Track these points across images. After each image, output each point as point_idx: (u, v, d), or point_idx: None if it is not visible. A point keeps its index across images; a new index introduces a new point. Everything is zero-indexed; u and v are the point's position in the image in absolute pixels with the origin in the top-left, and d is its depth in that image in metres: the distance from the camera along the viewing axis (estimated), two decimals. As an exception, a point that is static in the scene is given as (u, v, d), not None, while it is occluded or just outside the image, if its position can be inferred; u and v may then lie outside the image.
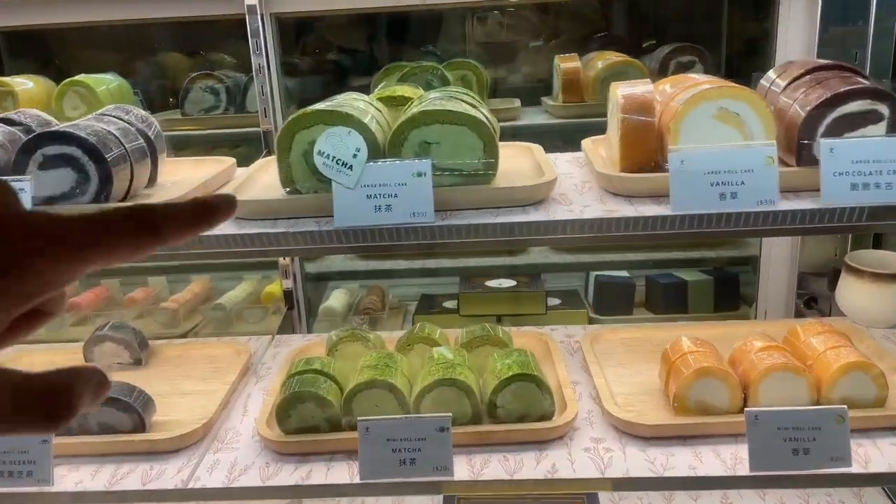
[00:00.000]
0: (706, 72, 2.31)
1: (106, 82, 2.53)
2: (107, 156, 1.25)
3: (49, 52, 2.86)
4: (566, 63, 2.36)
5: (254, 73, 1.86)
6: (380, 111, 1.33)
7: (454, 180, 1.24)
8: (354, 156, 1.18)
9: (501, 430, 1.32)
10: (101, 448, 1.35)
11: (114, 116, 1.40)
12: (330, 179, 1.19)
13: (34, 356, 1.76)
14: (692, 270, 2.79)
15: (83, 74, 2.51)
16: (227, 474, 1.30)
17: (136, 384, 1.44)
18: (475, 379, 1.36)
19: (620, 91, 1.30)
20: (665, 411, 1.37)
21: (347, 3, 1.88)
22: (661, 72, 2.27)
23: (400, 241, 1.19)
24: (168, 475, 1.31)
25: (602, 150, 1.46)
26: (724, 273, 2.74)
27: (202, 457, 1.36)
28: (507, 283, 2.75)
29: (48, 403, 0.38)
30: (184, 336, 2.63)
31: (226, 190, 1.31)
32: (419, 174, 1.19)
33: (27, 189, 1.20)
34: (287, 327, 2.09)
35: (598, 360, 1.56)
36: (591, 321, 2.64)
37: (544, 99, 2.46)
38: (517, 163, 1.42)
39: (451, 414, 1.25)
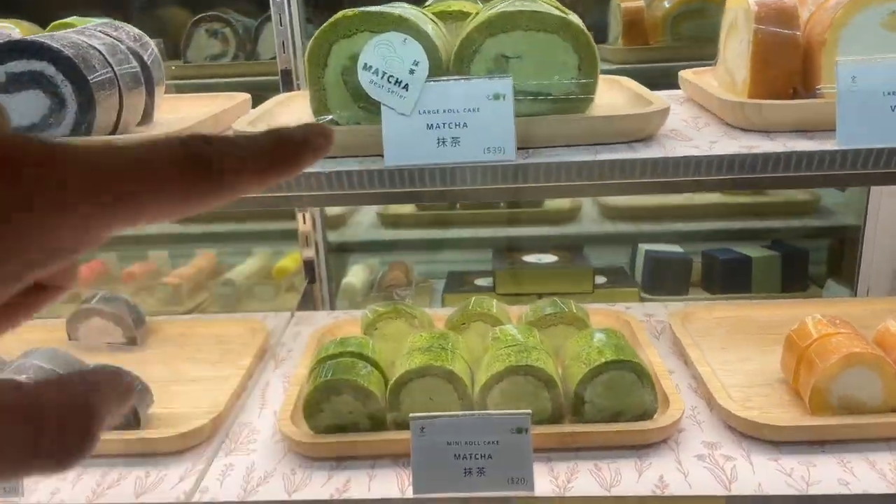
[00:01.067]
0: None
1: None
2: (89, 76, 0.96)
3: None
4: (627, 3, 2.05)
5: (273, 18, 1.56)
6: (434, 23, 1.03)
7: (540, 107, 0.95)
8: (412, 71, 0.89)
9: (593, 432, 1.03)
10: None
11: (99, 31, 1.11)
12: (378, 104, 0.90)
13: (5, 336, 1.48)
14: (754, 245, 2.49)
15: (74, 17, 2.23)
16: (243, 484, 1.02)
17: (130, 368, 1.16)
18: (554, 366, 1.08)
19: (751, -4, 1.00)
20: (794, 409, 1.09)
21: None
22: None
23: (469, 184, 0.90)
24: (168, 483, 1.03)
25: (711, 81, 1.17)
26: (792, 249, 2.44)
27: (211, 461, 1.08)
28: (548, 258, 2.46)
29: (56, 435, 0.25)
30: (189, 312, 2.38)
31: (240, 122, 1.02)
32: (497, 96, 0.89)
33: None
34: (308, 304, 1.81)
35: (695, 342, 1.28)
36: (642, 301, 2.36)
37: (602, 46, 2.16)
38: (608, 97, 1.12)
39: (530, 411, 0.97)
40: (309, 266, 1.75)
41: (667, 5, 1.96)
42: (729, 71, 1.09)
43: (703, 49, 1.96)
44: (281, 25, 1.57)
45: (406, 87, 0.89)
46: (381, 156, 0.92)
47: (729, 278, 2.38)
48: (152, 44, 1.19)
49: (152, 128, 1.14)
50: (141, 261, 2.54)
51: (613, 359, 1.04)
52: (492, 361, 1.06)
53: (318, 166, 0.92)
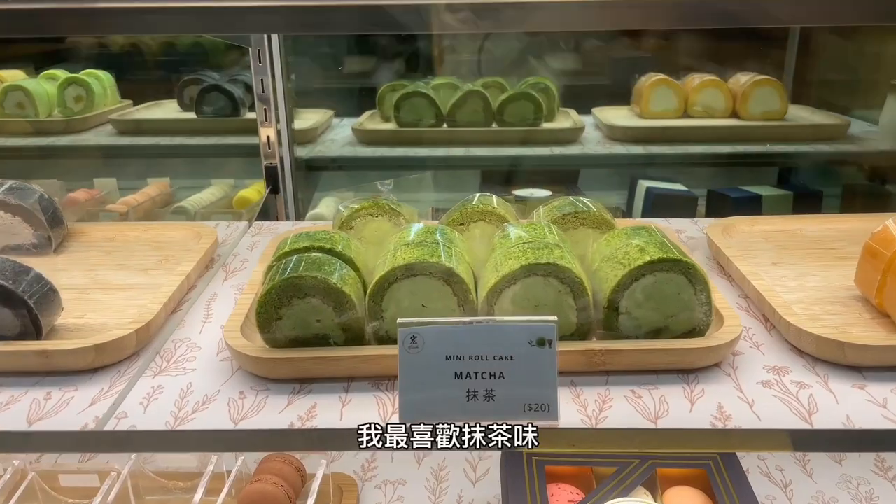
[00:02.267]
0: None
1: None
2: None
3: None
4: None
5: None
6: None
7: None
8: None
9: (631, 349, 0.80)
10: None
11: None
12: None
13: None
14: (764, 185, 2.29)
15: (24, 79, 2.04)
16: (174, 410, 0.78)
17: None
18: (580, 267, 0.84)
19: None
20: (879, 327, 0.87)
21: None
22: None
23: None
24: (74, 407, 0.78)
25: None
26: (805, 188, 2.24)
27: (134, 383, 0.83)
28: (540, 192, 2.23)
29: None
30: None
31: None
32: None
33: None
34: (267, 215, 1.55)
35: (743, 255, 1.05)
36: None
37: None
38: None
39: (555, 318, 0.73)
40: (271, 173, 1.49)
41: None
42: None
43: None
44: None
45: None
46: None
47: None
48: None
49: None
50: (85, 187, 2.26)
51: (661, 257, 0.80)
52: (502, 260, 0.82)
53: None
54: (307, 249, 0.87)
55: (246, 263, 1.14)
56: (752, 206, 2.19)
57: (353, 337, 0.83)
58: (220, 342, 0.90)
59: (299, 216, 1.63)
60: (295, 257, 0.83)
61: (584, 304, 0.81)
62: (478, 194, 1.02)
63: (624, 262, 0.81)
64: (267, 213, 1.54)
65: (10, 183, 1.12)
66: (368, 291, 0.81)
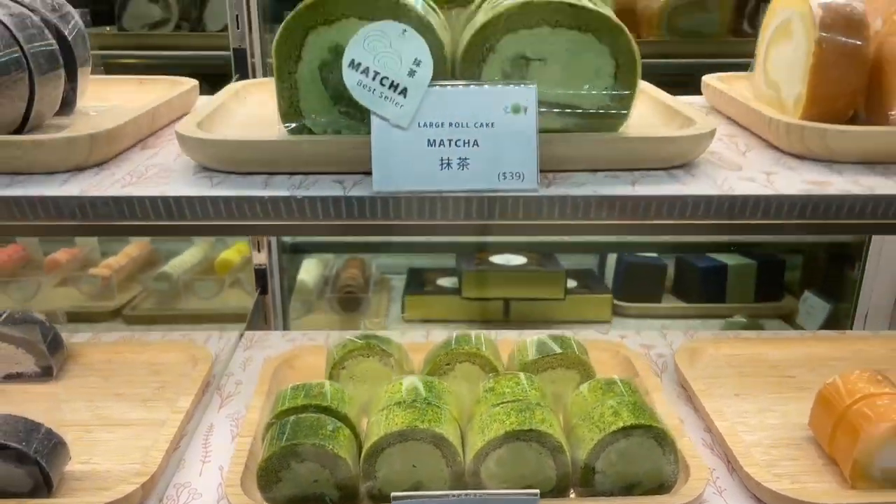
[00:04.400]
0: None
1: None
2: (-17, 55, 0.74)
3: None
4: (619, -10, 1.88)
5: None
6: (436, 13, 0.84)
7: (565, 122, 0.77)
8: (412, 72, 0.70)
9: (607, 510, 0.87)
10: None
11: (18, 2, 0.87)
12: (366, 110, 0.70)
13: None
14: (731, 253, 2.39)
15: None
16: (180, 570, 0.83)
17: (43, 408, 0.95)
18: (559, 426, 0.91)
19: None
20: (830, 477, 0.95)
21: None
22: (738, 6, 1.82)
23: (475, 217, 0.72)
24: (84, 568, 0.83)
25: (741, 90, 1.01)
26: (769, 257, 2.34)
27: (140, 537, 0.88)
28: (517, 259, 2.31)
29: None
30: (118, 312, 2.13)
31: (186, 123, 0.80)
32: (516, 109, 0.71)
33: None
34: (257, 316, 1.60)
35: (707, 387, 1.13)
36: (615, 309, 2.23)
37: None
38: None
39: (538, 492, 0.80)
40: (261, 276, 1.54)
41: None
42: (772, 83, 0.93)
43: (702, 46, 1.83)
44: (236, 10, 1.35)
45: (404, 92, 0.70)
46: (366, 173, 0.73)
47: (704, 285, 2.28)
48: (75, 14, 0.96)
49: (76, 119, 0.92)
50: (67, 247, 2.27)
51: (633, 423, 0.87)
52: (488, 422, 0.88)
53: (285, 187, 0.72)
54: (304, 408, 0.92)
55: (240, 386, 1.20)
56: (718, 275, 2.29)
57: (348, 495, 0.89)
58: (221, 489, 0.95)
59: (286, 309, 1.68)
60: (292, 419, 0.89)
61: (563, 464, 0.88)
62: (458, 335, 1.09)
63: (599, 426, 0.89)
64: (256, 306, 1.59)
65: (7, 312, 1.17)
66: (363, 454, 0.88)
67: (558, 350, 1.05)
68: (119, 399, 1.12)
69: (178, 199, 0.71)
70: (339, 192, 0.72)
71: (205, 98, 1.08)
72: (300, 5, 0.73)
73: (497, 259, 2.29)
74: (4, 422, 0.89)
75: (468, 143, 0.71)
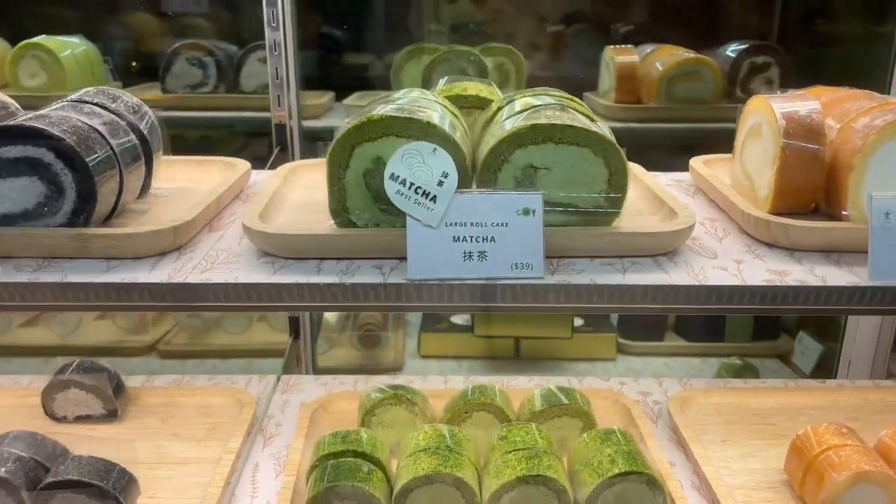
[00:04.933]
0: (783, 76, 2.03)
1: (70, 46, 2.13)
2: (91, 164, 0.90)
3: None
4: (621, 56, 2.04)
5: (268, 50, 1.50)
6: (456, 117, 1.00)
7: (566, 218, 0.92)
8: (440, 183, 0.86)
9: (604, 546, 1.01)
10: (65, 550, 1.01)
11: (96, 104, 1.04)
12: (399, 212, 0.86)
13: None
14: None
15: (43, 36, 2.12)
16: None
17: (113, 449, 1.10)
18: (564, 471, 1.05)
19: (777, 107, 0.99)
20: (800, 518, 1.09)
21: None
22: (731, 74, 1.98)
23: (492, 301, 0.87)
24: (156, 591, 0.98)
25: (722, 176, 1.16)
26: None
27: (202, 564, 1.02)
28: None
29: None
30: (153, 346, 2.29)
31: (250, 216, 0.96)
32: (526, 211, 0.86)
33: (-25, 205, 0.85)
34: (291, 357, 1.75)
35: (696, 434, 1.27)
36: (619, 347, 2.37)
37: (589, 95, 2.14)
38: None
39: (545, 529, 0.94)
40: (293, 321, 1.70)
41: (659, 67, 1.96)
42: (746, 173, 1.08)
43: (697, 112, 1.98)
44: (277, 79, 1.52)
45: (434, 199, 0.86)
46: (400, 258, 0.89)
47: (704, 326, 2.41)
48: (149, 111, 1.13)
49: (151, 203, 1.08)
50: None
51: (626, 470, 1.01)
52: (502, 468, 1.03)
53: (335, 273, 0.88)
54: (343, 453, 1.07)
55: (280, 427, 1.34)
56: (717, 316, 2.41)
57: (381, 528, 1.03)
58: (269, 523, 1.10)
59: (315, 351, 1.82)
60: (332, 462, 1.04)
61: (567, 503, 1.03)
62: (474, 387, 1.24)
63: (598, 471, 1.03)
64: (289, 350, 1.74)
65: (77, 361, 1.33)
66: (395, 494, 1.02)
67: (565, 401, 1.20)
68: (176, 439, 1.27)
69: (247, 286, 0.86)
70: (379, 279, 0.87)
71: (257, 174, 1.24)
72: (350, 125, 0.89)
73: None
74: (88, 462, 1.05)
75: (486, 239, 0.86)
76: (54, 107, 1.01)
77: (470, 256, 0.86)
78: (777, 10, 2.38)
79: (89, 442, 1.17)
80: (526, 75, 2.13)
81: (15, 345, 2.30)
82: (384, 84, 2.26)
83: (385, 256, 0.91)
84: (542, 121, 0.89)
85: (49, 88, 2.14)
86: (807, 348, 2.31)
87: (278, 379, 1.52)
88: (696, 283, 0.86)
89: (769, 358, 2.35)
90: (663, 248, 0.93)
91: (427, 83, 2.01)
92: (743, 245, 0.98)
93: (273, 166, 1.30)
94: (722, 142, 1.99)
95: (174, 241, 0.93)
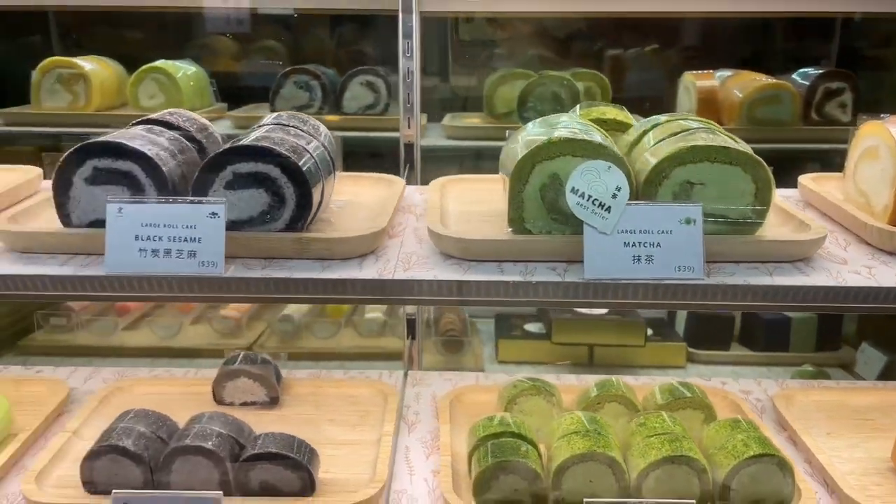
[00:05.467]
0: (856, 101, 2.15)
1: (183, 69, 2.32)
2: (308, 176, 1.06)
3: (108, 34, 2.63)
4: (702, 81, 2.18)
5: (401, 77, 1.67)
6: (607, 138, 1.14)
7: (717, 227, 1.06)
8: (614, 195, 1.00)
9: (742, 519, 1.14)
10: (266, 513, 1.16)
11: (297, 127, 1.20)
12: (568, 216, 1.01)
13: (149, 386, 1.56)
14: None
15: (162, 61, 2.31)
16: (418, 553, 1.11)
17: (280, 429, 1.24)
18: (701, 455, 1.18)
19: (894, 131, 1.13)
20: (913, 500, 1.20)
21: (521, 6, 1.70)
22: (807, 98, 2.10)
23: (660, 298, 1.01)
24: (346, 550, 1.12)
25: (832, 192, 1.29)
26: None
27: (382, 529, 1.17)
28: (600, 309, 2.58)
29: None
30: (249, 349, 2.45)
31: (434, 224, 1.11)
32: (688, 220, 1.00)
33: (220, 213, 1.01)
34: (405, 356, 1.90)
35: (804, 427, 1.39)
36: (688, 356, 2.48)
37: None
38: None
39: (693, 501, 1.07)
40: (411, 323, 1.85)
41: (739, 91, 2.09)
42: (861, 191, 1.21)
43: (776, 134, 2.11)
44: (409, 103, 1.67)
45: (609, 209, 1.00)
46: (569, 262, 1.03)
47: (769, 336, 2.52)
48: (328, 132, 1.29)
49: (330, 212, 1.23)
50: None
51: (760, 452, 1.14)
52: (646, 449, 1.16)
53: (517, 273, 1.02)
54: (500, 434, 1.21)
55: (418, 416, 1.49)
56: (782, 327, 2.50)
57: (537, 502, 1.17)
58: (433, 494, 1.24)
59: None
60: (494, 442, 1.18)
61: (706, 482, 1.16)
62: (605, 379, 1.37)
63: (734, 454, 1.16)
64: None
65: (242, 353, 1.48)
66: (553, 470, 1.16)
67: (688, 394, 1.33)
68: (333, 423, 1.42)
69: (448, 283, 1.01)
70: (557, 279, 1.02)
71: (412, 188, 1.39)
72: (533, 147, 1.04)
73: (581, 308, 2.56)
74: (280, 437, 1.20)
75: (653, 244, 1.00)
76: (265, 128, 1.17)
77: (638, 259, 1.01)
78: (837, 36, 2.51)
79: (261, 424, 1.32)
80: (610, 98, 2.28)
81: (122, 346, 2.46)
82: (474, 106, 2.43)
83: (555, 260, 1.06)
84: (700, 142, 1.03)
85: (165, 108, 2.32)
86: (869, 358, 2.41)
87: (406, 374, 1.66)
88: (838, 285, 1.00)
89: (831, 367, 2.43)
90: (801, 255, 1.06)
91: (523, 106, 2.16)
92: (866, 253, 1.11)
93: (409, 181, 1.46)
94: (801, 161, 2.13)
95: (373, 245, 1.09)
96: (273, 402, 1.46)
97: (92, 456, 1.17)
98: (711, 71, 2.24)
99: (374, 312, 2.56)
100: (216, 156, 1.05)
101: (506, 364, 2.49)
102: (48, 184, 1.41)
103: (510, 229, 1.08)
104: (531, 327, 2.63)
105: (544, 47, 2.57)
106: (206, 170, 1.05)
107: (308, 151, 1.11)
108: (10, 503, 1.22)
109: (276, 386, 1.45)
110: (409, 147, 1.70)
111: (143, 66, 2.28)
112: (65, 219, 1.08)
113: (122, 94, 2.37)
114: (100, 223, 1.07)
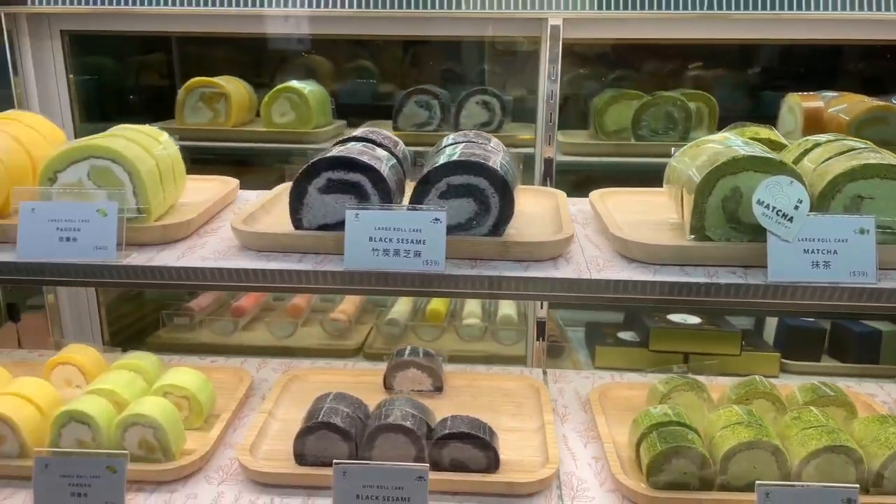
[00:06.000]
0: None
1: (309, 88, 2.50)
2: (511, 188, 1.20)
3: (223, 55, 2.81)
4: (808, 102, 2.28)
5: (544, 98, 1.81)
6: (774, 157, 1.26)
7: (884, 238, 1.17)
8: (796, 207, 1.12)
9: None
10: (456, 486, 1.30)
11: (483, 145, 1.35)
12: (745, 225, 1.15)
13: (320, 375, 1.72)
14: (882, 320, 2.68)
15: (293, 81, 2.49)
16: (598, 527, 1.24)
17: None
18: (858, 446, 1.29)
19: None
20: None
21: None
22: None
23: (836, 300, 1.13)
24: (531, 522, 1.25)
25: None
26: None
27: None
28: (692, 319, 2.67)
29: None
30: (359, 349, 2.60)
31: (616, 230, 1.24)
32: (862, 231, 1.12)
33: (442, 219, 1.16)
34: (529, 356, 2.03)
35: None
36: (782, 367, 2.56)
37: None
38: None
39: (857, 486, 1.18)
40: (541, 325, 1.98)
41: (844, 115, 2.19)
42: None
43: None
44: (550, 122, 1.81)
45: (791, 219, 1.12)
46: (745, 266, 1.16)
47: (859, 349, 2.58)
48: (502, 145, 1.43)
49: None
50: (298, 293, 2.76)
51: (914, 444, 1.24)
52: (805, 440, 1.27)
53: (702, 275, 1.15)
54: (666, 423, 1.33)
55: (567, 409, 1.62)
56: (873, 340, 2.56)
57: (706, 485, 1.28)
58: (601, 476, 1.36)
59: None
60: (660, 430, 1.30)
61: (861, 471, 1.26)
62: (752, 378, 1.49)
63: (887, 445, 1.26)
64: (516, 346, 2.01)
65: (409, 346, 1.63)
66: (722, 455, 1.27)
67: (831, 393, 1.44)
68: (493, 412, 1.56)
69: (643, 283, 1.14)
70: (740, 280, 1.14)
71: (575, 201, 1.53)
72: (718, 163, 1.17)
73: (674, 318, 2.66)
74: (469, 420, 1.34)
75: (830, 251, 1.12)
76: (461, 145, 1.31)
77: (817, 265, 1.12)
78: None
79: (434, 410, 1.46)
80: (717, 118, 2.39)
81: (240, 344, 2.63)
82: (578, 124, 2.58)
83: (733, 265, 1.18)
84: (872, 161, 1.15)
85: (296, 125, 2.48)
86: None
87: (545, 372, 1.79)
88: None
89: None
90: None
91: (637, 124, 2.29)
92: None
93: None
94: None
95: (564, 249, 1.23)
96: (438, 390, 1.61)
97: (305, 432, 1.33)
98: (815, 92, 2.34)
99: (473, 318, 2.70)
100: (433, 170, 1.20)
101: (602, 370, 2.59)
102: (244, 193, 1.60)
103: (692, 236, 1.21)
104: (624, 335, 2.73)
105: (651, 68, 2.69)
106: (423, 181, 1.20)
107: (506, 166, 1.25)
108: (226, 472, 1.38)
109: (440, 376, 1.60)
110: (549, 162, 1.84)
111: (277, 87, 2.46)
112: (297, 222, 1.24)
113: (251, 111, 2.56)
114: (326, 227, 1.23)
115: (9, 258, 1.18)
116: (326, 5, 1.86)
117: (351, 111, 2.69)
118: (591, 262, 1.21)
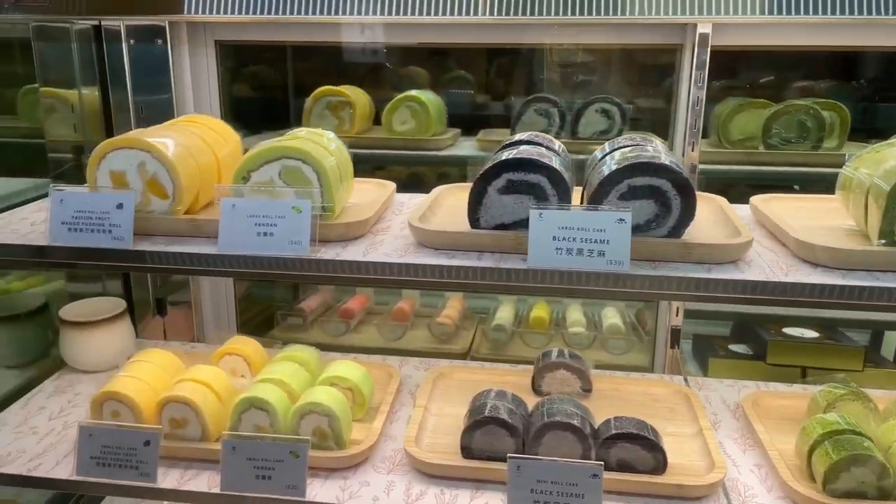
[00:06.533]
0: None
1: (428, 97, 2.55)
2: (693, 190, 1.21)
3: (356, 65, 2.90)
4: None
5: (689, 105, 1.81)
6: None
7: None
8: None
9: None
10: (624, 486, 1.31)
11: (636, 146, 1.36)
12: None
13: (466, 373, 1.76)
14: None
15: (414, 91, 2.55)
16: None
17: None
18: None
19: None
20: None
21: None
22: None
23: None
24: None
25: None
26: None
27: (731, 509, 1.29)
28: (809, 333, 2.60)
29: None
30: (465, 353, 2.62)
31: (786, 227, 1.24)
32: None
33: (627, 220, 1.17)
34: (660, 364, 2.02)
35: None
36: (910, 383, 2.46)
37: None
38: None
39: None
40: (675, 333, 1.97)
41: None
42: None
43: None
44: (694, 129, 1.81)
45: None
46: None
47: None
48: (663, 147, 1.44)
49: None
50: (401, 298, 2.80)
51: None
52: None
53: (893, 279, 1.13)
54: (840, 432, 1.31)
55: (717, 416, 1.60)
56: None
57: (883, 494, 1.26)
58: (768, 485, 1.35)
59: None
60: (836, 438, 1.28)
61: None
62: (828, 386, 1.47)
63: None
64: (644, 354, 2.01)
65: (557, 349, 1.65)
66: (898, 466, 1.25)
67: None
68: (648, 416, 1.55)
69: (831, 287, 1.13)
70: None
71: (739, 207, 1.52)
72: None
73: (790, 331, 2.60)
74: (635, 421, 1.35)
75: None
76: (628, 148, 1.33)
77: None
78: None
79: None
80: (849, 127, 2.34)
81: (352, 345, 2.70)
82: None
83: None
84: None
85: (415, 133, 2.54)
86: None
87: (685, 379, 1.78)
88: None
89: None
90: None
91: (768, 133, 2.26)
92: None
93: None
94: None
95: (744, 252, 1.23)
96: (586, 392, 1.62)
97: (473, 426, 1.36)
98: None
99: (578, 327, 2.69)
100: (614, 172, 1.22)
101: (745, 380, 2.55)
102: (399, 196, 1.65)
103: (881, 241, 1.19)
104: (736, 348, 2.68)
105: (775, 77, 2.65)
106: (604, 183, 1.23)
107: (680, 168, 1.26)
108: (391, 463, 1.43)
109: (589, 378, 1.61)
110: (692, 169, 1.84)
111: (399, 96, 2.54)
112: (474, 222, 1.28)
113: (371, 119, 2.64)
114: (502, 227, 1.27)
115: (210, 250, 1.26)
116: (468, 13, 1.89)
117: (458, 120, 2.74)
118: (772, 265, 1.21)
